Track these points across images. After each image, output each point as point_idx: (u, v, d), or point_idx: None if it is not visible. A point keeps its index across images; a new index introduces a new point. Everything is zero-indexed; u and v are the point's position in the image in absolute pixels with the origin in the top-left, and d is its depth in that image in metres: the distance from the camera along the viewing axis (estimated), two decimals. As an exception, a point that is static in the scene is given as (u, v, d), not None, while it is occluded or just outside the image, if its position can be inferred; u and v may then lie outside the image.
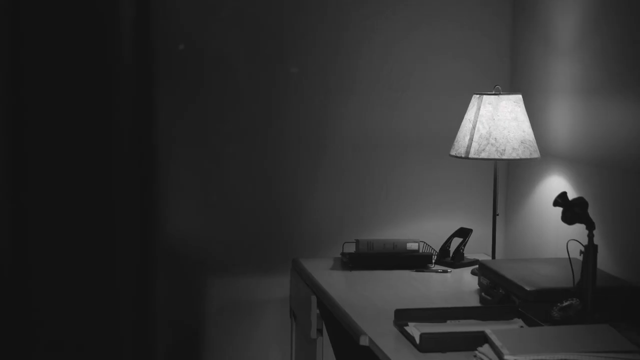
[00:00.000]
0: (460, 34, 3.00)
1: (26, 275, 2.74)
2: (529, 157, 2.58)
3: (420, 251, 2.76)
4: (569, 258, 2.05)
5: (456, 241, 2.83)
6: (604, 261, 2.24)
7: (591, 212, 2.02)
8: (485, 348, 1.77)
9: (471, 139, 2.59)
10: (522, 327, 1.97)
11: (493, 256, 2.73)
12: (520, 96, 2.64)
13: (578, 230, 2.04)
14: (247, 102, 2.88)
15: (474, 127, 2.59)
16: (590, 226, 1.99)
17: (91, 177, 2.77)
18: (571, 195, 2.06)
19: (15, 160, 2.71)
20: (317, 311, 2.49)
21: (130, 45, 2.75)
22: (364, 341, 1.99)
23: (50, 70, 2.73)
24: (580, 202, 2.02)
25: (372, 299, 2.33)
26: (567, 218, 2.03)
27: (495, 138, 2.55)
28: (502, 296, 2.16)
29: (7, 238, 2.71)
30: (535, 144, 2.61)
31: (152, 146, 2.80)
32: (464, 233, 2.85)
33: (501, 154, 2.55)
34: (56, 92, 2.74)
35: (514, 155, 2.56)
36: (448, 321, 2.01)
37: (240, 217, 2.91)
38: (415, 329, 1.92)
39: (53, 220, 2.76)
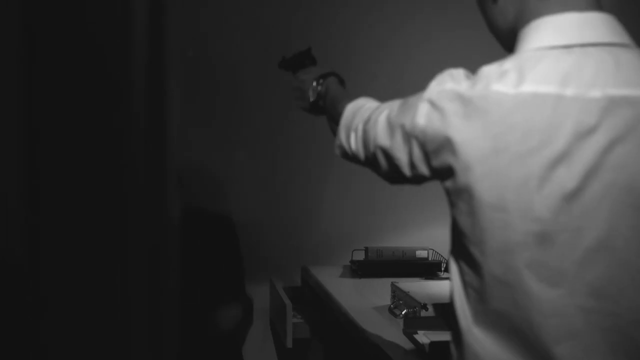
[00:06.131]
0: (475, 42, 3.00)
1: (38, 279, 2.75)
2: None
3: (430, 259, 2.76)
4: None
5: (466, 249, 2.83)
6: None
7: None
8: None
9: (481, 147, 2.58)
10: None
11: (503, 264, 2.72)
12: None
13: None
14: (257, 110, 2.89)
15: (483, 135, 2.59)
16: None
17: (104, 183, 2.77)
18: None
19: (28, 166, 2.71)
20: (293, 320, 2.50)
21: (143, 51, 2.76)
22: (372, 349, 1.99)
23: (62, 78, 2.74)
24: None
25: (381, 306, 2.33)
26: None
27: (505, 146, 2.55)
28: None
29: (21, 243, 2.71)
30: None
31: (163, 153, 2.81)
32: (473, 241, 2.84)
33: (511, 162, 2.54)
34: (69, 98, 2.75)
35: (523, 163, 2.55)
36: (458, 329, 2.00)
37: (249, 224, 2.91)
38: (424, 337, 1.92)
39: (65, 225, 2.76)
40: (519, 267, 1.09)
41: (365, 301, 2.39)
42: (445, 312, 2.06)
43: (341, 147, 1.50)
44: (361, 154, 1.40)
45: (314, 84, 1.77)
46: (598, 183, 1.06)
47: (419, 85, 1.27)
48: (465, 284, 1.17)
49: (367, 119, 1.37)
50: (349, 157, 1.48)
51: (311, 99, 1.77)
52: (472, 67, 1.21)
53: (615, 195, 1.07)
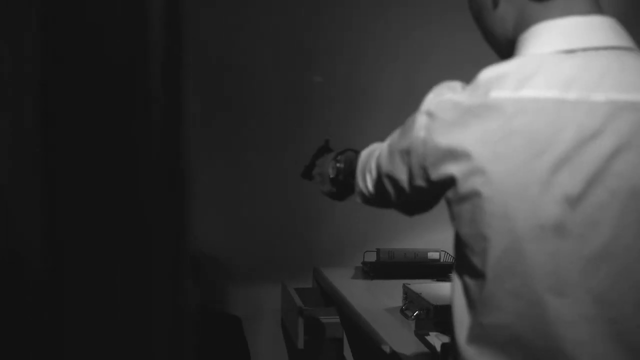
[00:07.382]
0: (486, 48, 3.00)
1: (58, 282, 2.77)
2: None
3: (441, 260, 2.77)
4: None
5: (477, 250, 2.83)
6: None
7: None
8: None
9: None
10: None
11: (514, 266, 2.73)
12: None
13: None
14: (271, 113, 2.90)
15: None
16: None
17: (123, 189, 2.79)
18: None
19: (44, 172, 2.73)
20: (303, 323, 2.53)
21: (160, 60, 2.77)
22: (385, 350, 2.00)
23: (79, 84, 2.76)
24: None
25: (392, 308, 2.34)
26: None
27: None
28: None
29: (40, 245, 2.73)
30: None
31: (179, 156, 2.83)
32: (485, 242, 2.84)
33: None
34: (86, 106, 2.77)
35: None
36: (469, 331, 2.01)
37: (262, 226, 2.93)
38: (436, 339, 1.93)
39: (82, 230, 2.78)
40: (523, 276, 1.07)
41: (377, 302, 2.40)
42: (445, 316, 2.08)
43: (361, 193, 1.48)
44: (376, 190, 1.39)
45: (332, 162, 1.76)
46: (602, 189, 1.04)
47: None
48: (467, 295, 1.16)
49: (377, 156, 1.37)
50: (369, 200, 1.47)
51: (331, 176, 1.76)
52: (475, 70, 1.20)
53: (619, 201, 1.04)
